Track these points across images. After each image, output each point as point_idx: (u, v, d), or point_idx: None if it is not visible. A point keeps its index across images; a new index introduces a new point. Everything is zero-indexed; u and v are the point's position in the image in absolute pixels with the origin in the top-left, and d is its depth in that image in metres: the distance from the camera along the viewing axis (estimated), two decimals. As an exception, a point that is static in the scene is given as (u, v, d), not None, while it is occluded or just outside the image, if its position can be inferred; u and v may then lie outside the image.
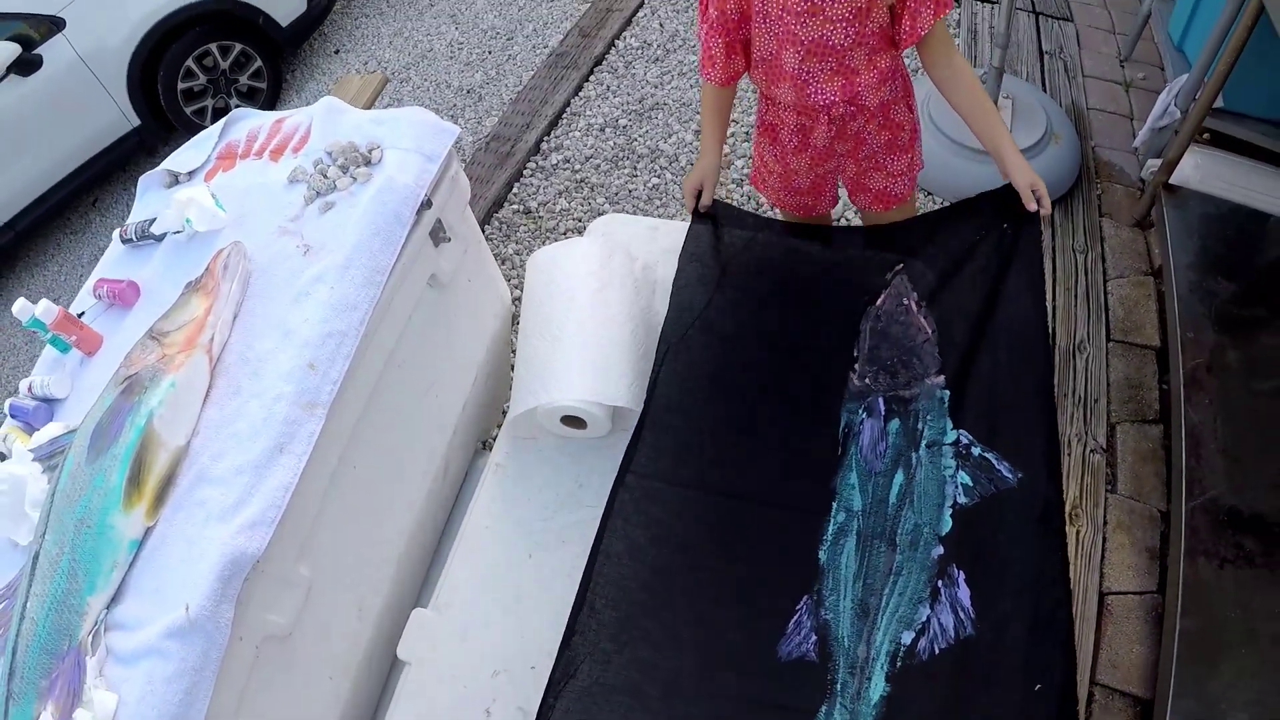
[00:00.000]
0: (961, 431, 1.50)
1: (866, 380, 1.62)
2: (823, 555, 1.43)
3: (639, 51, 4.00)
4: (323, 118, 1.68)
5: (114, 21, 4.14)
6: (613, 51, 4.01)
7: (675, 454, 1.59)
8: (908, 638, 1.33)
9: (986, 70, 2.75)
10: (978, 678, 1.28)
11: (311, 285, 1.42)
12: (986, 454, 1.46)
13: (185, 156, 1.80)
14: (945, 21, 1.62)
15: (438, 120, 1.67)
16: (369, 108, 2.52)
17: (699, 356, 1.71)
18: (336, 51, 5.09)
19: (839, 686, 1.31)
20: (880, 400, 1.58)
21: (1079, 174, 2.96)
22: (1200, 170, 2.68)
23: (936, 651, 1.30)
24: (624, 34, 4.10)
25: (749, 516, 1.51)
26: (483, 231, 2.97)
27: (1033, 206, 1.61)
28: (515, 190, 3.43)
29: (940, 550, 1.39)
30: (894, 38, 1.63)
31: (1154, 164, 2.75)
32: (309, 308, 1.39)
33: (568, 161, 3.54)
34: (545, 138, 3.65)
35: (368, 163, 1.57)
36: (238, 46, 4.49)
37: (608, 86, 3.83)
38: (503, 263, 3.12)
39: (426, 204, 1.60)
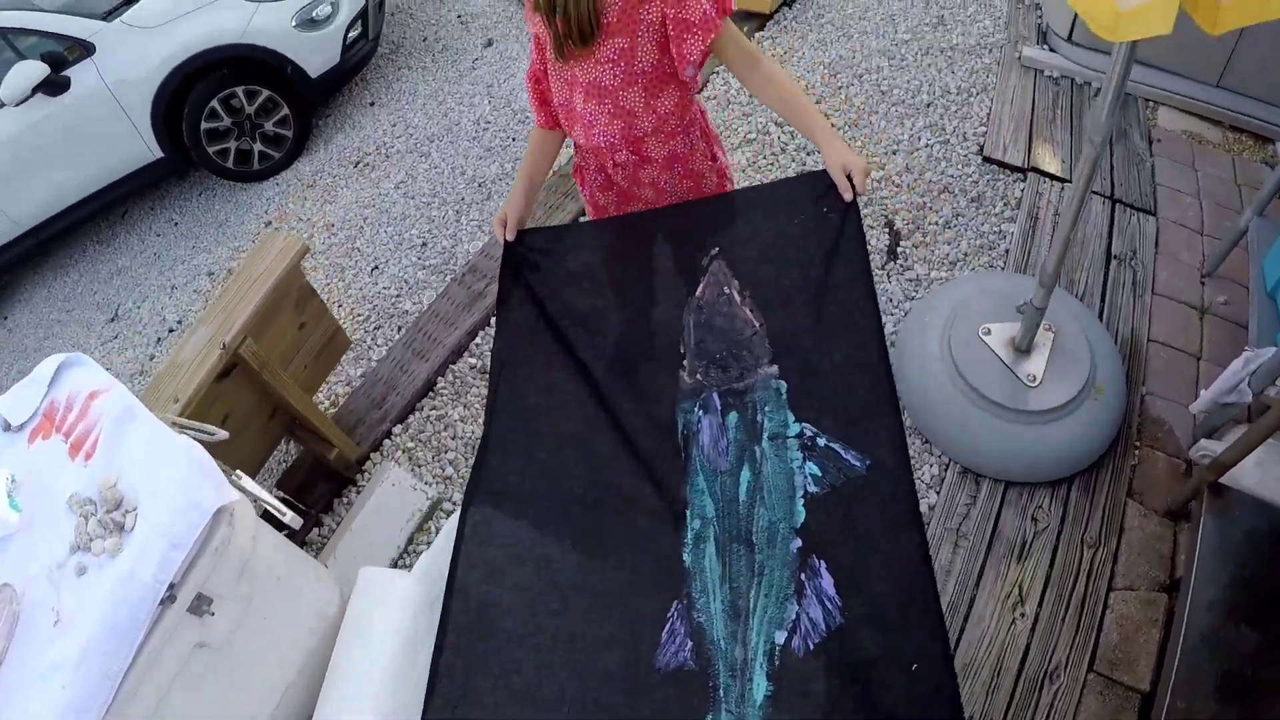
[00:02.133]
0: (805, 425, 1.49)
1: (698, 376, 1.60)
2: (686, 558, 1.42)
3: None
4: (113, 428, 1.57)
5: (141, 54, 4.16)
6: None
7: (522, 470, 1.57)
8: (781, 637, 1.32)
9: (1039, 277, 2.17)
10: (855, 665, 1.27)
11: (51, 671, 1.36)
12: (832, 444, 1.45)
13: (16, 399, 1.73)
14: (732, 34, 1.64)
15: (207, 477, 1.51)
16: (278, 278, 2.25)
17: (532, 371, 1.70)
18: (371, 104, 4.91)
19: (722, 691, 1.29)
20: (715, 395, 1.57)
21: (1116, 436, 2.41)
22: (1264, 471, 2.12)
23: (811, 646, 1.30)
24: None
25: (607, 524, 1.48)
26: (434, 385, 2.67)
27: (848, 196, 1.62)
28: (479, 341, 3.08)
29: (798, 543, 1.38)
30: (676, 73, 1.66)
31: (1206, 447, 2.23)
32: (45, 696, 1.34)
33: (538, 317, 3.17)
34: (522, 285, 3.27)
35: (120, 528, 1.47)
36: (264, 92, 4.32)
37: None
38: (445, 430, 2.78)
39: (170, 598, 1.45)
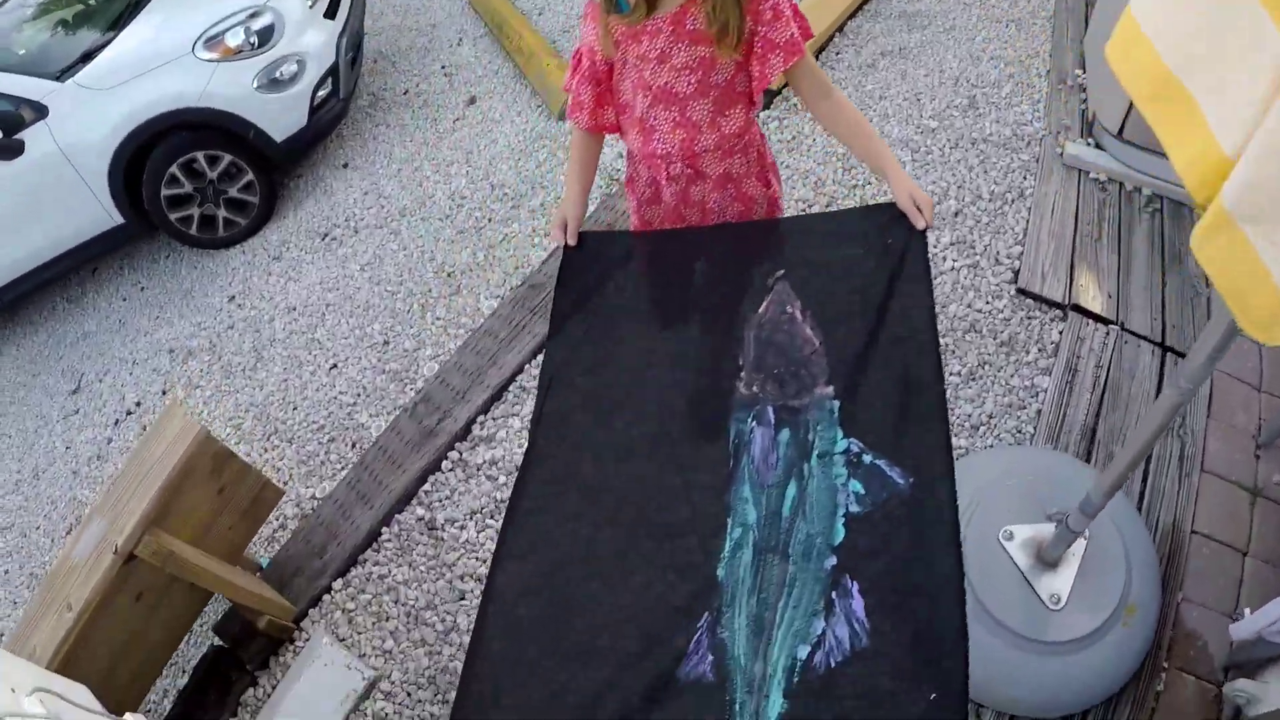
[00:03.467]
0: (852, 440, 1.50)
1: (754, 388, 1.62)
2: (720, 572, 1.43)
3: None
4: None
5: (96, 117, 4.01)
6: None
7: (564, 485, 1.59)
8: (803, 652, 1.31)
9: (1085, 499, 1.78)
10: (874, 689, 1.27)
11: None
12: (877, 460, 1.46)
13: None
14: (810, 61, 1.68)
15: None
16: (178, 463, 2.00)
17: (582, 384, 1.72)
18: (345, 165, 4.63)
19: (737, 707, 1.29)
20: (770, 409, 1.58)
21: (1144, 661, 2.00)
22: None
23: (832, 664, 1.29)
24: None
25: (647, 542, 1.50)
26: (378, 536, 2.64)
27: (920, 224, 1.64)
28: (429, 486, 2.73)
29: (833, 560, 1.39)
30: (749, 94, 1.71)
31: (1243, 690, 1.92)
32: None
33: (494, 464, 2.75)
34: (479, 418, 2.86)
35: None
36: (226, 158, 4.05)
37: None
38: (386, 594, 2.50)
39: None
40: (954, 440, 2.34)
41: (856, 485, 1.45)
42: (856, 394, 1.55)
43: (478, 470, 2.71)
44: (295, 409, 3.28)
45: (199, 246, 4.41)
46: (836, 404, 1.55)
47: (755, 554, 1.42)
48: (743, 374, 1.64)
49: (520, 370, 2.94)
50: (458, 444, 2.78)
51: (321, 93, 4.35)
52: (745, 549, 1.43)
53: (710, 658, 1.34)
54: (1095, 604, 1.94)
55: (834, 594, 1.35)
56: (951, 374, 2.66)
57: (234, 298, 4.07)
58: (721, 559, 1.43)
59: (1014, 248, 2.97)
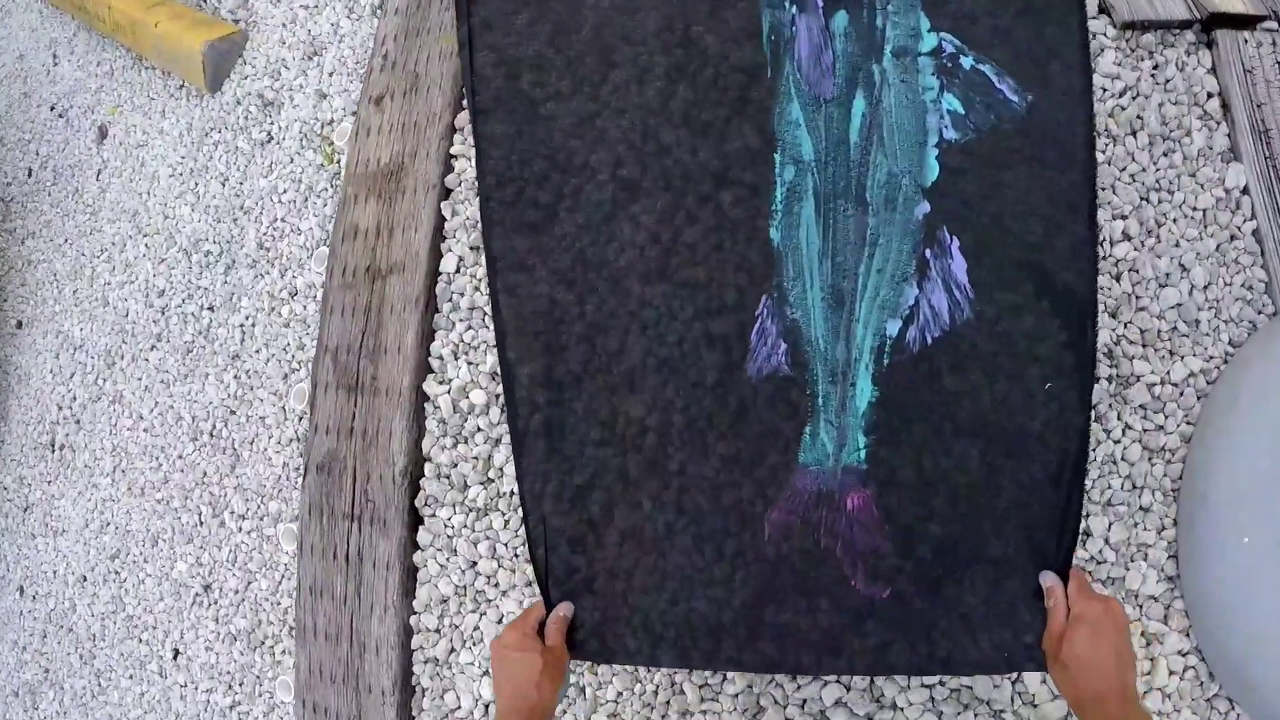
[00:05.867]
0: (944, 35, 1.10)
1: None
2: (775, 234, 1.10)
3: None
4: None
5: None
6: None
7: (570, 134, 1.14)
8: (894, 327, 1.08)
9: None
10: (978, 371, 1.07)
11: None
12: (981, 65, 1.09)
13: None
14: None
15: None
16: None
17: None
18: (19, 325, 3.40)
19: (820, 400, 1.09)
20: None
21: None
22: None
23: (929, 341, 1.08)
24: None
25: (674, 202, 1.12)
26: None
27: None
28: None
29: (926, 207, 1.08)
30: None
31: None
32: None
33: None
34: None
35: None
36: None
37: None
38: None
39: None
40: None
41: (953, 101, 1.09)
42: None
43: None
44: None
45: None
46: None
47: (819, 202, 1.09)
48: None
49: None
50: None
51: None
52: (804, 198, 1.09)
53: (783, 345, 1.10)
54: None
55: (928, 252, 1.08)
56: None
57: (22, 588, 2.95)
58: (775, 215, 1.09)
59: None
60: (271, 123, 2.51)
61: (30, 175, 3.55)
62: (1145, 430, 1.48)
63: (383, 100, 2.08)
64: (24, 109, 3.88)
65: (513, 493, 1.62)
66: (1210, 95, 1.63)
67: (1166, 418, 1.48)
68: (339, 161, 2.21)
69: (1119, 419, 1.48)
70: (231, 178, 2.59)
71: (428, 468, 1.70)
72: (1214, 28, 1.65)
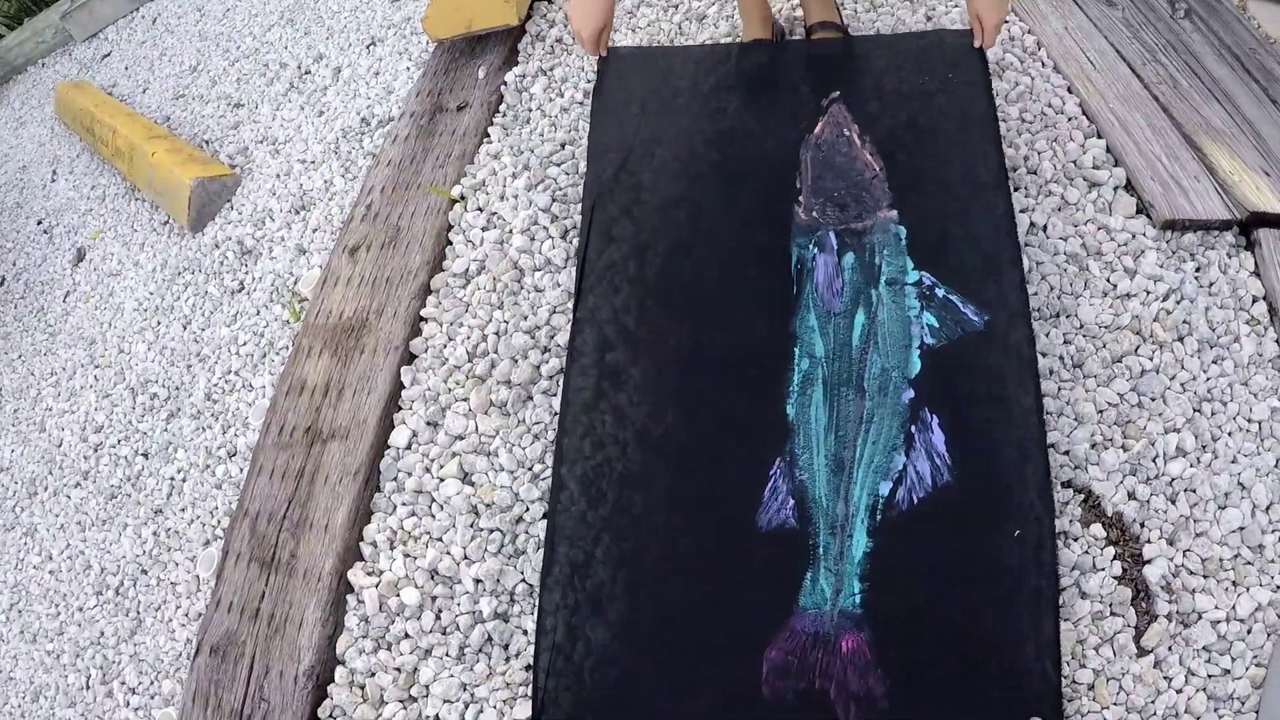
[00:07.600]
0: (924, 273, 1.46)
1: (814, 213, 1.55)
2: (790, 410, 1.37)
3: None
4: None
5: None
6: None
7: (618, 326, 1.50)
8: (885, 488, 1.30)
9: None
10: (957, 525, 1.26)
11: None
12: (950, 296, 1.42)
13: None
14: None
15: None
16: None
17: (628, 208, 1.62)
18: None
19: (821, 549, 1.27)
20: (831, 234, 1.52)
21: None
22: None
23: (915, 501, 1.29)
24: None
25: (708, 379, 1.44)
26: None
27: (978, 42, 1.60)
28: None
29: (910, 394, 1.36)
30: None
31: None
32: None
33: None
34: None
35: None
36: None
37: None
38: None
39: None
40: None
41: (930, 318, 1.42)
42: (923, 220, 1.51)
43: None
44: None
45: None
46: (902, 230, 1.50)
47: (827, 389, 1.38)
48: (801, 198, 1.58)
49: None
50: None
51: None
52: (815, 384, 1.39)
53: (791, 502, 1.31)
54: None
55: (913, 428, 1.33)
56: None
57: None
58: (790, 395, 1.38)
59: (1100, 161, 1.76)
60: (246, 272, 2.44)
61: (2, 284, 3.46)
62: (1210, 676, 1.32)
63: (358, 250, 1.98)
64: (13, 218, 3.84)
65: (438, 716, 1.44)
66: (1255, 299, 1.60)
67: (1234, 660, 1.32)
68: (303, 315, 2.11)
69: (1180, 663, 1.32)
70: (194, 322, 2.50)
71: (339, 672, 1.48)
72: (1254, 228, 1.65)
